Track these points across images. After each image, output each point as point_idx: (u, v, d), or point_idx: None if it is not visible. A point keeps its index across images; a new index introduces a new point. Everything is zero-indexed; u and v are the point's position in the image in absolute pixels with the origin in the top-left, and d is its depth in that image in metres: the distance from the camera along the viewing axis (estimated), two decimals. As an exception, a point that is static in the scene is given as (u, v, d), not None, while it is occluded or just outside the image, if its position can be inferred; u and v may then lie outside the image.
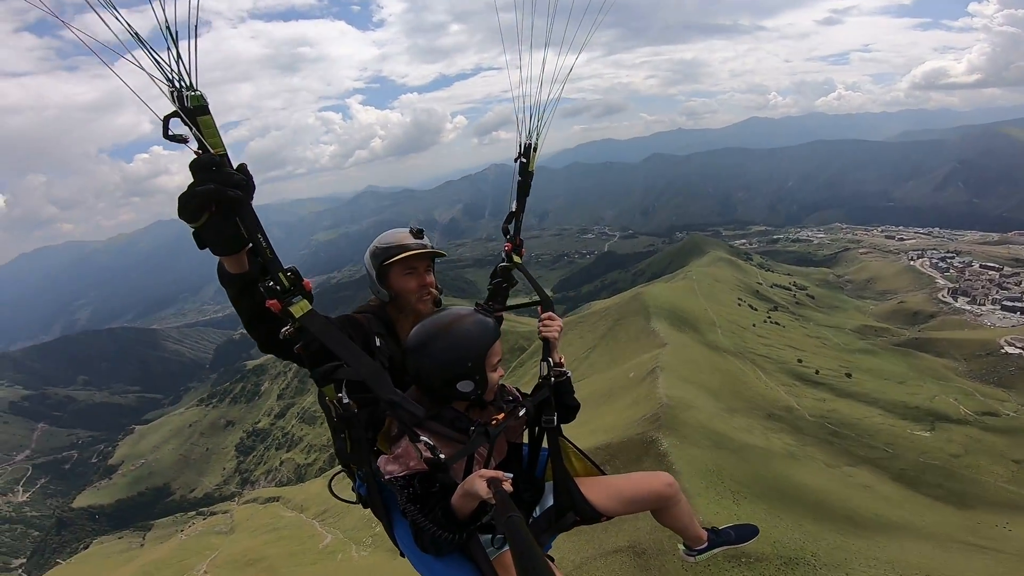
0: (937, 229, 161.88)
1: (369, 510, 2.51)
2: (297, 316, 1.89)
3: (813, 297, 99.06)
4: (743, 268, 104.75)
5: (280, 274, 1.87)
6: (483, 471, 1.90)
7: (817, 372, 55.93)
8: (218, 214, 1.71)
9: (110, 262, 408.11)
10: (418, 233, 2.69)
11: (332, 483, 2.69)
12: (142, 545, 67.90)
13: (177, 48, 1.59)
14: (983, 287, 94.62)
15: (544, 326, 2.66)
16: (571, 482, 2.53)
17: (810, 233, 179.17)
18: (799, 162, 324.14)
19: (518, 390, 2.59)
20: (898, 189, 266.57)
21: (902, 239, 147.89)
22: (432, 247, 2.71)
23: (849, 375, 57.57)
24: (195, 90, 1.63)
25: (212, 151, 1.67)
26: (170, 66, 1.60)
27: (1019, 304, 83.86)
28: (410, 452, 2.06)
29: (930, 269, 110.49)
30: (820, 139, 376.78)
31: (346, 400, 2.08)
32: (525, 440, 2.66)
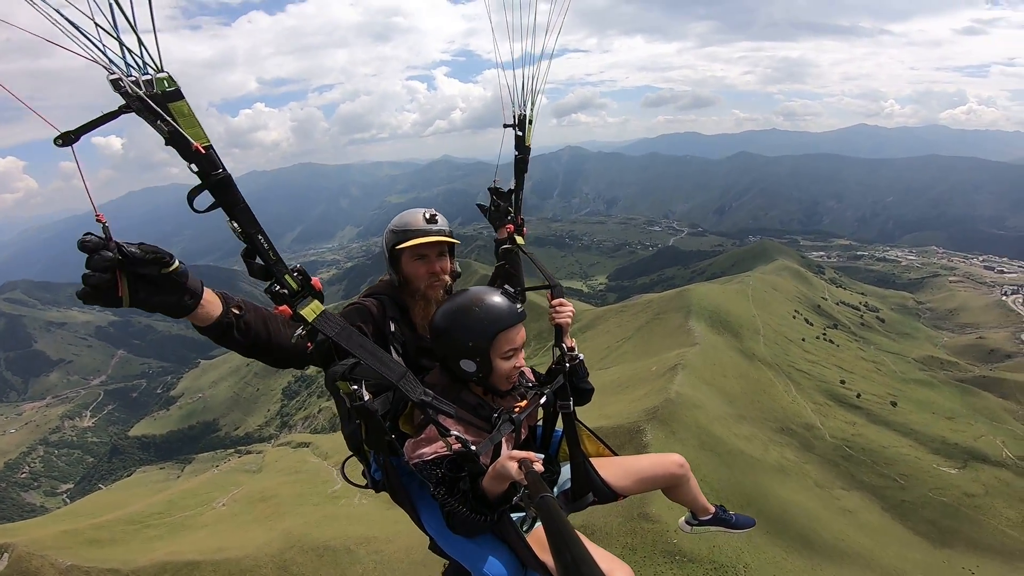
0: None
1: (384, 494, 2.54)
2: (310, 320, 1.83)
3: (883, 320, 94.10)
4: (810, 281, 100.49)
5: (287, 276, 1.80)
6: (514, 452, 1.90)
7: (858, 396, 54.58)
8: (136, 287, 1.53)
9: (207, 205, 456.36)
10: (432, 218, 2.58)
11: (345, 466, 2.61)
12: (179, 476, 72.11)
13: (133, 22, 1.30)
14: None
15: (556, 312, 2.67)
16: (588, 464, 2.58)
17: (900, 253, 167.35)
18: (905, 176, 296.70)
19: (534, 371, 2.63)
20: (1015, 216, 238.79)
21: (1002, 271, 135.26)
22: (447, 233, 2.61)
23: (894, 403, 55.73)
24: (162, 71, 1.37)
25: (194, 143, 1.45)
26: (126, 46, 1.32)
27: (1118, 355, 76.62)
28: (438, 437, 2.05)
29: (1021, 307, 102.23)
30: (935, 154, 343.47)
31: (365, 395, 2.02)
32: (538, 420, 2.72)
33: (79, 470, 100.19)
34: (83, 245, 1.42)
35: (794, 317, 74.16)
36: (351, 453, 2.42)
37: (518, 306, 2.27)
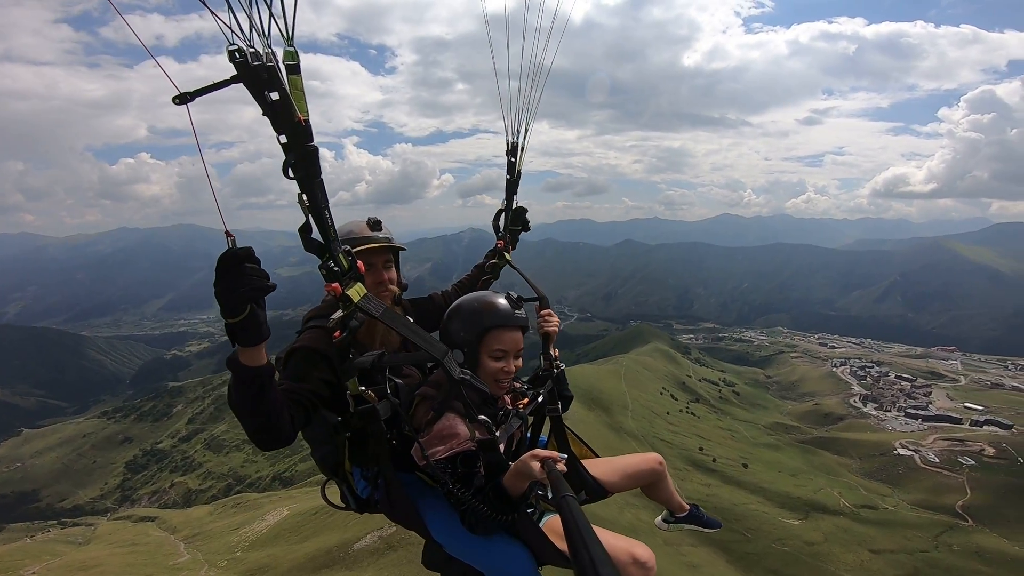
0: (869, 340, 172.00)
1: (349, 514, 2.54)
2: (356, 300, 1.87)
3: (739, 394, 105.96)
4: (677, 360, 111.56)
5: (340, 255, 1.83)
6: (537, 451, 1.91)
7: (714, 460, 60.65)
8: (258, 304, 1.60)
9: (61, 259, 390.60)
10: (376, 224, 2.54)
11: (325, 489, 2.54)
12: (-22, 544, 62.27)
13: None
14: (892, 395, 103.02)
15: (544, 322, 2.82)
16: (579, 463, 2.66)
17: (753, 334, 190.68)
18: (757, 263, 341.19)
19: (522, 380, 2.66)
20: (842, 298, 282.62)
21: (833, 347, 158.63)
22: (391, 240, 2.57)
23: (746, 465, 62.43)
24: (291, 45, 1.50)
25: (299, 116, 1.56)
26: (258, 13, 1.41)
27: (921, 412, 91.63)
28: (455, 431, 2.06)
29: (848, 376, 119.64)
30: (780, 242, 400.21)
31: (388, 390, 2.07)
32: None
33: None
34: (243, 254, 1.57)
35: (661, 393, 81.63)
36: (327, 477, 2.45)
37: (517, 312, 2.29)
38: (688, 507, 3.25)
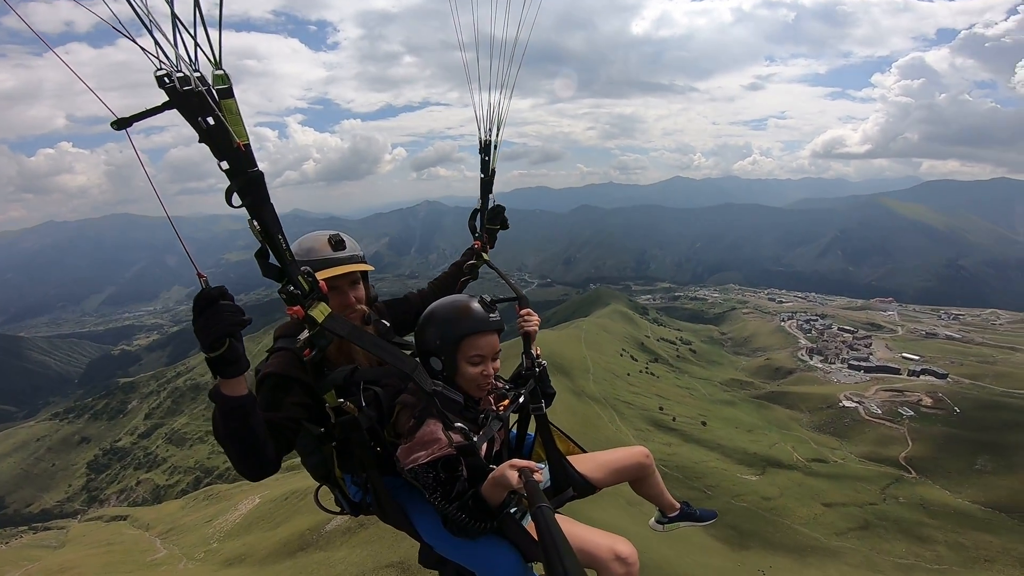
0: (813, 294, 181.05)
1: (345, 517, 2.87)
2: (320, 320, 1.87)
3: (695, 352, 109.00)
4: (635, 321, 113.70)
5: (300, 277, 1.82)
6: (514, 460, 1.96)
7: (674, 419, 62.33)
8: (236, 338, 1.64)
9: None
10: (338, 244, 2.42)
11: (318, 495, 2.57)
12: (-54, 556, 59.43)
13: (202, 17, 1.37)
14: (836, 348, 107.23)
15: (524, 321, 2.80)
16: (565, 460, 2.66)
17: (707, 292, 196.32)
18: (709, 224, 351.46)
19: (503, 379, 2.64)
20: (788, 254, 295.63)
21: (781, 302, 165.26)
22: (358, 258, 2.49)
23: (704, 423, 64.43)
24: (220, 68, 1.48)
25: (237, 141, 1.52)
26: (183, 40, 1.37)
27: (863, 363, 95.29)
28: (436, 436, 2.07)
29: (796, 330, 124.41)
30: (730, 203, 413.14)
31: (363, 403, 2.10)
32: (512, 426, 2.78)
33: None
34: (217, 293, 1.60)
35: (621, 355, 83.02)
36: (319, 483, 2.49)
37: (492, 316, 2.28)
38: (679, 505, 3.29)
